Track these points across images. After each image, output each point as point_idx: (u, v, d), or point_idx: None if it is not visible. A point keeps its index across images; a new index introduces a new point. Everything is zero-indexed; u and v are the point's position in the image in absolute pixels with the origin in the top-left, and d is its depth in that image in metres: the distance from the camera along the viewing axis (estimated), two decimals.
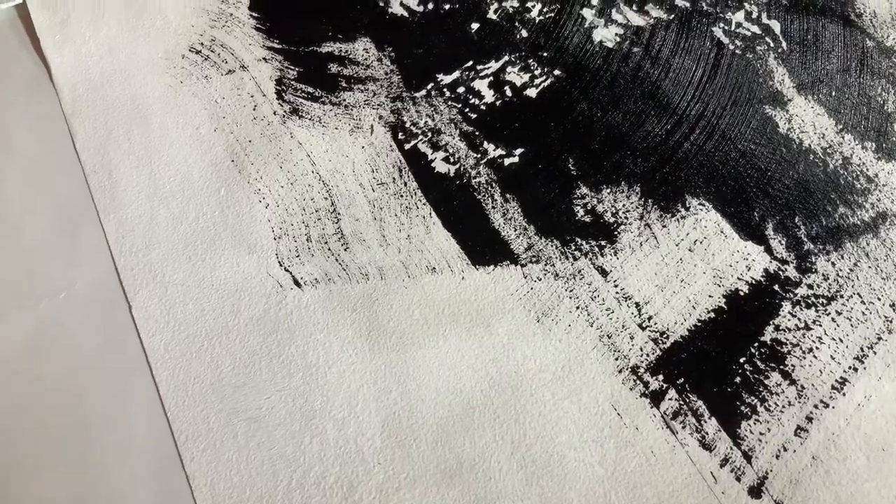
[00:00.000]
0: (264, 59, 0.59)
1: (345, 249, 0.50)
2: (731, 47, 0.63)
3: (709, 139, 0.57)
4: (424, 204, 0.53)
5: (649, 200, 0.54)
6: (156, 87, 0.57)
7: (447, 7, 0.64)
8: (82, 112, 0.55)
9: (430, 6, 0.64)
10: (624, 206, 0.53)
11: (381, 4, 0.63)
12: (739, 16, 0.65)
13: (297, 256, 0.50)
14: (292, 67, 0.59)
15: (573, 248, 0.51)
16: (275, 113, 0.57)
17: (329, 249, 0.50)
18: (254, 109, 0.57)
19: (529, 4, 0.64)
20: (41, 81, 0.57)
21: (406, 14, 0.63)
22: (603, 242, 0.52)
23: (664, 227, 0.52)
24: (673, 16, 0.64)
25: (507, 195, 0.53)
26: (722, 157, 0.56)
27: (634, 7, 0.65)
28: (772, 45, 0.63)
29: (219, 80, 0.58)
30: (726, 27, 0.64)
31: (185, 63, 0.59)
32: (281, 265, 0.49)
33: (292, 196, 0.52)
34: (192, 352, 0.45)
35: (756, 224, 0.53)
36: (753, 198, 0.54)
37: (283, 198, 0.52)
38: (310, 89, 0.58)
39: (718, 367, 0.47)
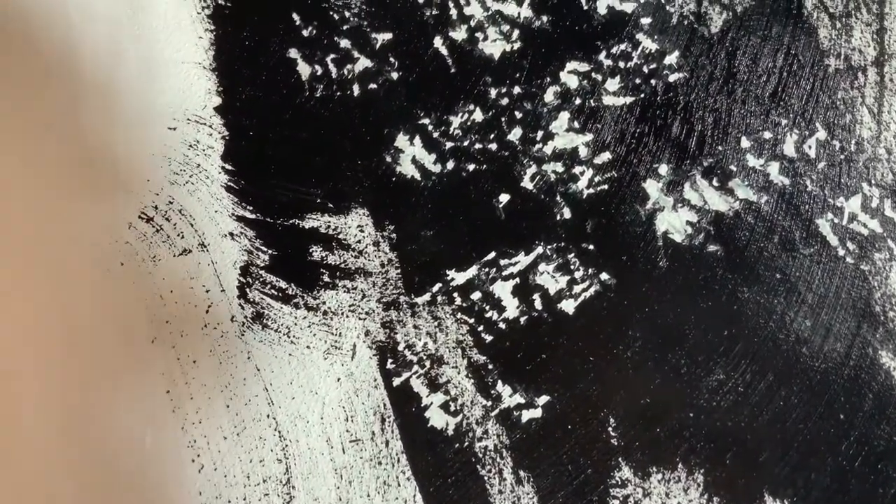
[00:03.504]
0: (231, 234, 0.47)
1: None
2: (841, 252, 0.47)
3: (801, 401, 0.42)
4: (409, 479, 0.39)
5: (714, 499, 0.39)
6: (90, 271, 0.45)
7: (471, 168, 0.50)
8: None
9: (451, 165, 0.50)
10: None
11: (389, 160, 0.50)
12: (854, 203, 0.49)
13: None
14: (264, 249, 0.47)
15: None
16: (233, 319, 0.44)
17: None
18: (207, 312, 0.44)
19: (577, 170, 0.50)
20: None
21: (418, 176, 0.49)
22: None
23: None
24: (766, 198, 0.49)
25: (521, 472, 0.40)
26: (817, 434, 0.41)
27: (715, 182, 0.50)
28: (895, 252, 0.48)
29: (169, 263, 0.46)
30: (836, 219, 0.49)
31: (130, 235, 0.46)
32: None
33: (236, 454, 0.40)
34: None
35: None
36: None
37: (225, 456, 0.40)
38: (282, 284, 0.45)
39: None
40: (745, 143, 0.51)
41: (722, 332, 0.44)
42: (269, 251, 0.46)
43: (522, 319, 0.45)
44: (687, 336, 0.44)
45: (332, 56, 0.52)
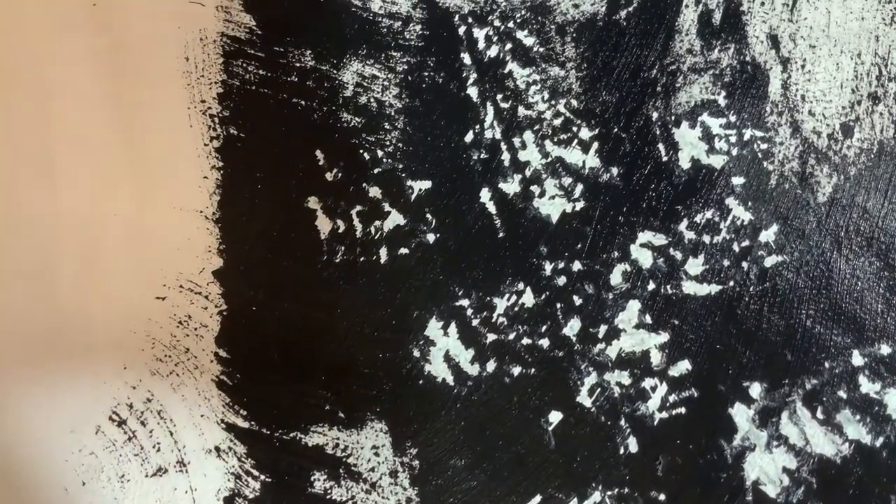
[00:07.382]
0: (217, 449, 0.38)
1: None
2: None
3: None
4: None
5: None
6: (49, 488, 0.37)
7: (516, 372, 0.41)
8: None
9: (491, 367, 0.41)
10: None
11: (416, 355, 0.41)
12: None
13: None
14: (255, 473, 0.38)
15: None
16: None
17: None
18: None
19: (648, 384, 0.40)
20: None
21: (450, 380, 0.40)
22: None
23: None
24: (881, 440, 0.39)
25: None
26: None
27: (820, 413, 0.40)
28: None
29: (140, 485, 0.37)
30: None
31: (97, 444, 0.38)
32: None
33: None
34: None
35: None
36: None
37: None
38: None
39: None
40: (857, 359, 0.41)
41: None
42: (262, 476, 0.38)
43: None
44: None
45: (359, 208, 0.43)
